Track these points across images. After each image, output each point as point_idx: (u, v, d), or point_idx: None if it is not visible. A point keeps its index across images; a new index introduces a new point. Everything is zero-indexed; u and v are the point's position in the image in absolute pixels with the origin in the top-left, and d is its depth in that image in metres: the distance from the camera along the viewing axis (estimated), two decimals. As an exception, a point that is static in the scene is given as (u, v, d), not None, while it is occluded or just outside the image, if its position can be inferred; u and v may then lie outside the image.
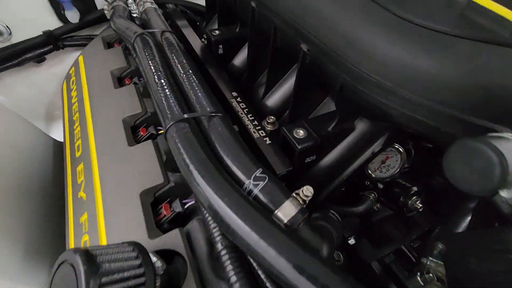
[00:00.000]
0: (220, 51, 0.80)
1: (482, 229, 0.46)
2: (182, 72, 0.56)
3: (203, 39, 0.88)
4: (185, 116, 0.47)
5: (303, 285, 0.30)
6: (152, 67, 0.56)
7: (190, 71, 0.56)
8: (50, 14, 1.05)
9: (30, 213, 0.72)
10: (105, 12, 0.87)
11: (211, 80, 0.71)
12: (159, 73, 0.54)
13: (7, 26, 1.01)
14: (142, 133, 0.64)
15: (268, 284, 0.35)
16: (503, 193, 0.26)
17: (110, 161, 0.59)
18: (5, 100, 1.15)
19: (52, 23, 1.06)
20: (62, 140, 0.78)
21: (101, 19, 1.09)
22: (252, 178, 0.41)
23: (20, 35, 1.05)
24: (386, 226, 0.75)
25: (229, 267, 0.36)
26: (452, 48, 0.34)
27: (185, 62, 0.60)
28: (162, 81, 0.52)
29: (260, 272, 0.36)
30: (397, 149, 0.67)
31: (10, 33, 1.03)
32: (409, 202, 0.69)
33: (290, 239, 0.33)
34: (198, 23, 1.14)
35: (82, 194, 0.58)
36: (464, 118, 0.34)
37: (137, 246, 0.36)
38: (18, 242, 0.64)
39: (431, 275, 0.51)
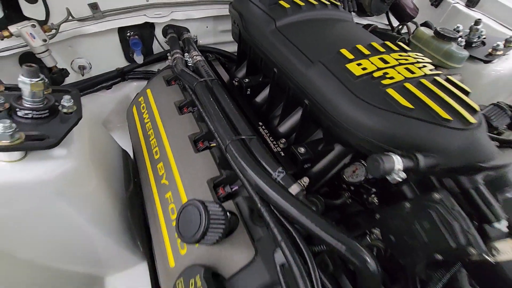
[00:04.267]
0: (248, 92, 1.18)
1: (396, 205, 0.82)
2: (229, 109, 0.94)
3: (234, 81, 1.27)
4: (240, 137, 0.84)
5: (303, 220, 0.65)
6: (211, 110, 0.93)
7: (234, 110, 0.94)
8: (120, 55, 1.43)
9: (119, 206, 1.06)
10: (168, 60, 1.26)
11: (243, 113, 1.08)
12: (218, 115, 0.92)
13: (89, 63, 1.39)
14: (201, 145, 1.00)
15: (287, 224, 0.70)
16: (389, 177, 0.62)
17: (184, 162, 0.94)
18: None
19: (121, 61, 1.45)
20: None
21: (157, 60, 1.48)
22: (276, 171, 0.77)
23: (97, 69, 1.43)
24: (356, 217, 1.11)
25: (266, 216, 0.71)
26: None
27: (229, 102, 0.98)
28: (219, 115, 0.90)
29: (281, 217, 0.71)
30: (363, 164, 1.04)
31: (91, 67, 1.41)
32: (370, 198, 1.05)
33: (296, 200, 0.68)
34: (226, 65, 1.53)
35: (165, 181, 0.93)
36: (381, 146, 0.71)
37: (220, 205, 0.71)
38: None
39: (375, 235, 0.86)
